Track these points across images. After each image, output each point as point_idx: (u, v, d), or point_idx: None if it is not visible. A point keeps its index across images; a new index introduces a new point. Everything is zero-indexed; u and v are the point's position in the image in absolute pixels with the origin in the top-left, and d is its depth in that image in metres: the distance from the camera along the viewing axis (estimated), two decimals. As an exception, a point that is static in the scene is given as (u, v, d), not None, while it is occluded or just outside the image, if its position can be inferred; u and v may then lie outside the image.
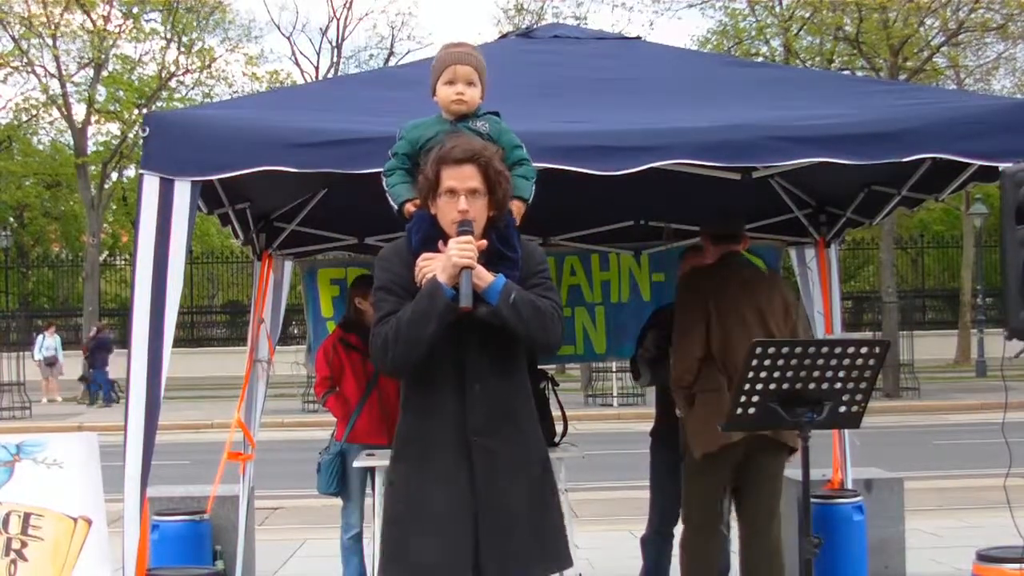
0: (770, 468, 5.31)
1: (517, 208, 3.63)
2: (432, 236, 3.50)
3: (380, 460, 6.07)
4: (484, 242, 3.43)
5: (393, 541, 3.53)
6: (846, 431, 6.51)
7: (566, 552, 3.62)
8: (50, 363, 27.81)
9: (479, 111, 3.75)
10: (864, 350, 4.23)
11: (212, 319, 38.64)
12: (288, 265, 6.95)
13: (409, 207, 3.64)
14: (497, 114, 3.79)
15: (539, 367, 6.26)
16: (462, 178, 3.40)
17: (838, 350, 4.21)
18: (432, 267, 3.42)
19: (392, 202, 3.72)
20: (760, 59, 26.63)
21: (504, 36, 6.21)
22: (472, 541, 3.43)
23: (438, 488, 3.45)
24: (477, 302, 3.38)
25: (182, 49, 31.21)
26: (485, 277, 3.39)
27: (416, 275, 3.46)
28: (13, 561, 3.96)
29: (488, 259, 3.45)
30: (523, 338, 3.44)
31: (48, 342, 27.91)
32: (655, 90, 5.05)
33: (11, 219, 37.46)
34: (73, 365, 28.62)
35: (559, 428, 6.10)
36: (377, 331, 3.46)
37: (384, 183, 3.76)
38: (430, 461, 3.47)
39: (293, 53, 51.68)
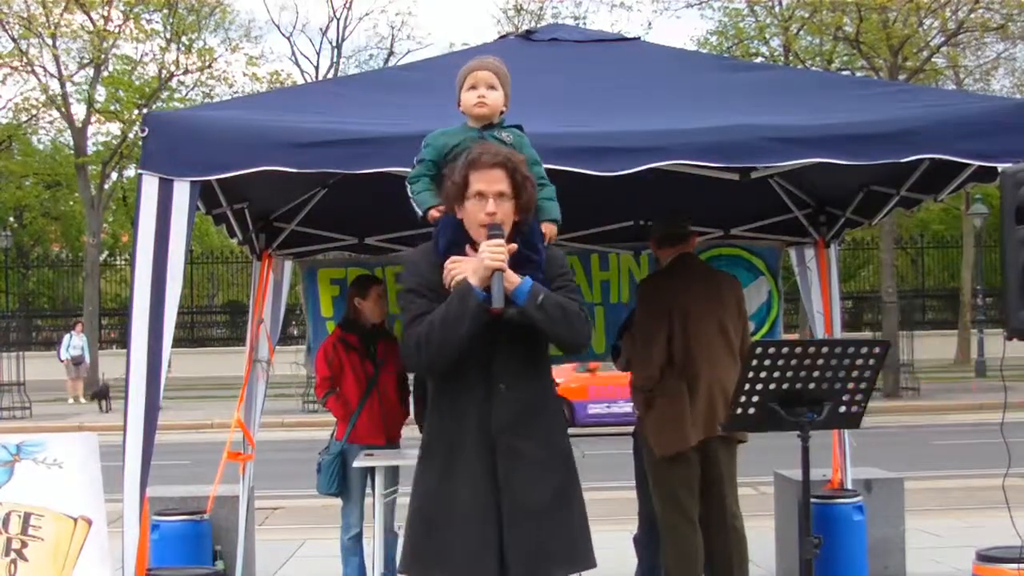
0: (725, 459, 5.48)
1: (549, 230, 3.71)
2: (458, 240, 3.59)
3: (380, 460, 6.08)
4: (514, 245, 3.51)
5: (420, 538, 3.59)
6: (846, 431, 6.52)
7: (591, 553, 3.66)
8: (77, 362, 27.77)
9: (503, 122, 3.82)
10: (864, 350, 4.23)
11: (212, 319, 38.63)
12: (288, 265, 6.95)
13: (434, 212, 3.71)
14: (520, 128, 3.84)
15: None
16: (491, 181, 3.49)
17: (838, 350, 4.22)
18: (460, 269, 3.51)
19: (417, 208, 3.78)
20: (759, 59, 26.64)
21: (504, 37, 6.21)
22: (497, 539, 3.48)
23: (464, 486, 3.52)
24: (506, 303, 3.47)
25: (182, 49, 31.19)
26: (513, 279, 3.48)
27: (444, 277, 3.53)
28: (13, 561, 3.96)
29: (515, 262, 3.52)
30: (551, 338, 3.54)
31: (75, 341, 27.83)
32: (654, 91, 5.05)
33: (11, 219, 37.45)
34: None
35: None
36: (409, 332, 3.54)
37: (409, 190, 3.82)
38: (457, 460, 3.54)
39: (293, 53, 51.66)
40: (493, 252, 3.44)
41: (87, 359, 28.17)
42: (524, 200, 3.55)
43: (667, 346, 5.41)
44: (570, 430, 6.07)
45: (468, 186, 3.52)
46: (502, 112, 3.82)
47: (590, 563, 3.65)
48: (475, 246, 3.55)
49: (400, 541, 3.81)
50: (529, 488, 3.51)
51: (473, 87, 3.78)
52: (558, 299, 3.51)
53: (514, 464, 3.51)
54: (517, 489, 3.50)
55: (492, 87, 3.77)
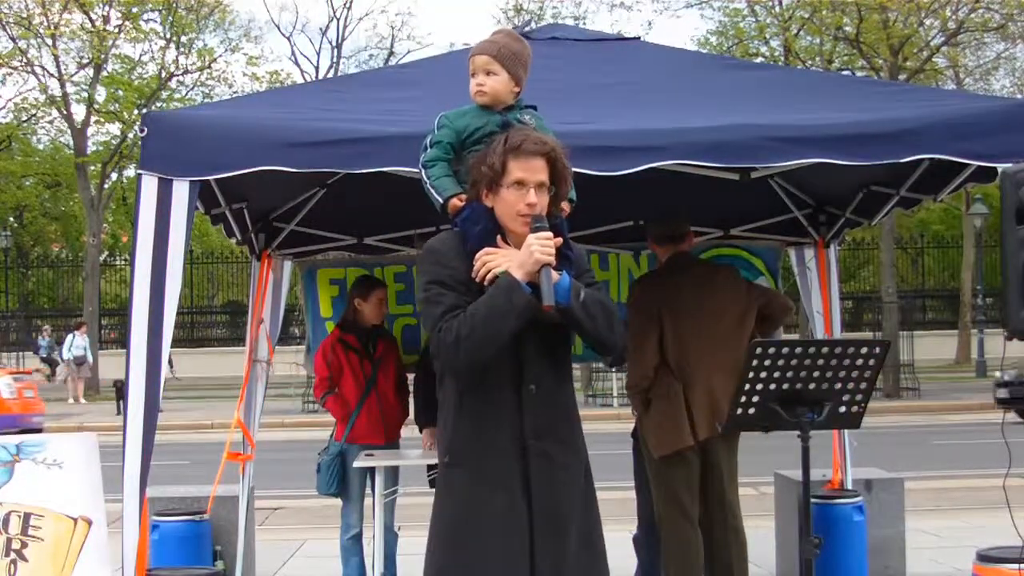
0: (726, 457, 5.46)
1: (567, 208, 3.56)
2: (491, 229, 3.38)
3: (379, 460, 6.08)
4: (560, 239, 3.32)
5: (449, 544, 3.40)
6: (846, 431, 6.51)
7: (606, 561, 3.54)
8: (79, 363, 27.70)
9: (521, 103, 3.65)
10: (864, 350, 4.23)
11: (212, 319, 38.64)
12: (288, 265, 6.95)
13: (455, 202, 3.49)
14: (534, 108, 3.68)
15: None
16: (533, 171, 3.31)
17: (838, 350, 4.21)
18: (497, 262, 3.30)
19: (436, 195, 3.54)
20: (759, 59, 26.64)
21: (503, 36, 6.20)
22: (528, 545, 3.33)
23: (495, 491, 3.34)
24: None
25: (181, 49, 31.21)
26: (552, 275, 3.27)
27: (475, 269, 3.33)
28: (13, 561, 3.96)
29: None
30: (591, 336, 3.38)
31: (78, 341, 27.80)
32: (654, 91, 5.04)
33: (11, 219, 37.46)
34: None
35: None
36: (445, 326, 3.27)
37: (424, 174, 3.59)
38: (487, 464, 3.36)
39: (293, 53, 51.65)
40: (543, 245, 3.23)
41: (90, 359, 28.18)
42: (562, 192, 3.40)
43: (659, 347, 5.40)
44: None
45: (507, 173, 3.31)
46: (516, 93, 3.63)
47: (606, 573, 3.55)
48: (506, 237, 3.36)
49: (410, 548, 3.66)
50: (561, 495, 3.38)
51: (473, 74, 3.62)
52: (597, 296, 3.37)
53: (547, 470, 3.36)
54: (550, 496, 3.35)
55: (490, 72, 3.58)
